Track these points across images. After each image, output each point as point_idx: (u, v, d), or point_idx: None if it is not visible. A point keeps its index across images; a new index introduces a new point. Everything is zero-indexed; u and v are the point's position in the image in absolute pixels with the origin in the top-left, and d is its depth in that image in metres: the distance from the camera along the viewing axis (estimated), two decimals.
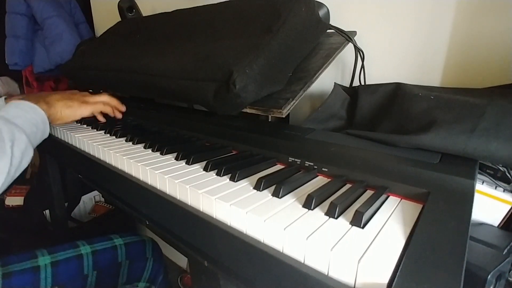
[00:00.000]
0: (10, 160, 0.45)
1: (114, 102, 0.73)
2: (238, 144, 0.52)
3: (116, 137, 0.61)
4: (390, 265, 0.24)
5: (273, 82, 0.52)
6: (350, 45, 0.62)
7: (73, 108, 0.63)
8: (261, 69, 0.48)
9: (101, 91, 0.93)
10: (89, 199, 1.48)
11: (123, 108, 0.75)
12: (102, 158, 0.55)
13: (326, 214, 0.31)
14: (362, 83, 0.64)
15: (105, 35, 0.98)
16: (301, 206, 0.33)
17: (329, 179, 0.41)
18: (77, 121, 0.77)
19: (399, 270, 0.23)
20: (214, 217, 0.35)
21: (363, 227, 0.29)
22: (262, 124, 0.59)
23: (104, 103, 0.71)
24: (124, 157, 0.49)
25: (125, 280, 0.73)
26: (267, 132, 0.52)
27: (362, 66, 0.64)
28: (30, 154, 0.50)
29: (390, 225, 0.29)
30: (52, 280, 0.63)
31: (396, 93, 0.52)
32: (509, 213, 0.41)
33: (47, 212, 1.29)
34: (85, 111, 0.66)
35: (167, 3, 1.02)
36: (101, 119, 0.72)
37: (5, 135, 0.45)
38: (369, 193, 0.37)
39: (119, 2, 1.02)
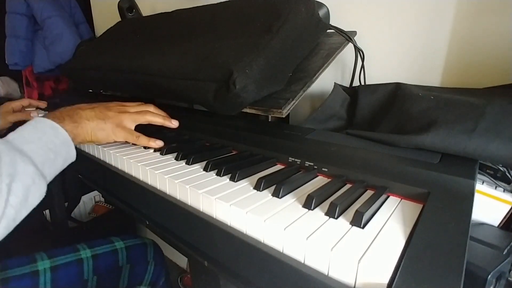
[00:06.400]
0: (6, 201, 0.35)
1: (159, 119, 0.55)
2: (238, 144, 0.52)
3: None
4: (390, 265, 0.24)
5: (273, 82, 0.52)
6: (350, 45, 0.62)
7: (105, 132, 0.51)
8: (261, 69, 0.48)
9: (103, 94, 0.92)
10: (89, 199, 1.48)
11: (173, 123, 0.57)
12: (102, 158, 0.55)
13: (326, 214, 0.31)
14: (362, 83, 0.64)
15: (105, 35, 0.98)
16: (301, 206, 0.33)
17: (329, 179, 0.41)
18: None
19: (399, 270, 0.23)
20: (214, 217, 0.35)
21: (363, 227, 0.29)
22: (262, 124, 0.59)
23: (146, 121, 0.55)
24: (124, 157, 0.49)
25: (126, 284, 0.73)
26: (267, 132, 0.52)
27: (362, 66, 0.64)
28: (41, 188, 0.40)
29: (390, 225, 0.29)
30: (52, 285, 0.62)
31: (396, 93, 0.52)
32: (509, 213, 0.41)
33: (47, 212, 1.29)
34: (119, 136, 0.52)
35: (167, 3, 1.02)
36: (155, 145, 0.53)
37: (3, 168, 0.36)
38: (369, 193, 0.37)
39: (119, 2, 1.02)
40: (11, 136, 0.41)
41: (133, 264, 0.73)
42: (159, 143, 0.53)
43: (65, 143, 0.46)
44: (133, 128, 0.53)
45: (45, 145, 0.42)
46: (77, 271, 0.66)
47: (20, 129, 0.43)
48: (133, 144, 0.54)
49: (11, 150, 0.38)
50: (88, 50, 0.96)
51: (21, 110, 0.85)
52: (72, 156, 0.48)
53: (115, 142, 0.55)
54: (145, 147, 0.54)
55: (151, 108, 0.57)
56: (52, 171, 0.44)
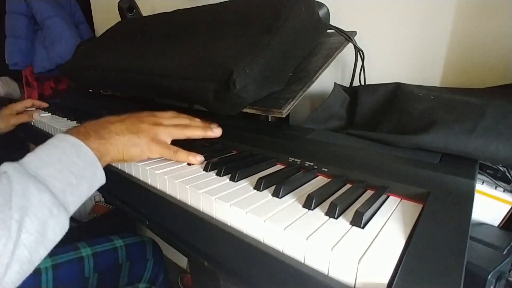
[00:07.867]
0: (15, 241, 0.29)
1: (199, 131, 0.49)
2: (238, 144, 0.52)
3: None
4: (390, 265, 0.24)
5: (273, 82, 0.52)
6: (350, 45, 0.62)
7: (139, 147, 0.44)
8: (261, 69, 0.48)
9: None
10: (89, 199, 1.48)
11: (216, 132, 0.50)
12: None
13: (326, 214, 0.31)
14: (362, 83, 0.64)
15: (105, 35, 0.98)
16: (301, 206, 0.33)
17: (329, 179, 0.41)
18: (78, 120, 0.77)
19: (399, 270, 0.23)
20: (214, 217, 0.35)
21: (363, 227, 0.29)
22: (262, 124, 0.59)
23: (185, 136, 0.48)
24: None
25: (126, 281, 0.74)
26: (267, 132, 0.52)
27: (362, 66, 0.64)
28: (61, 221, 0.33)
29: (390, 225, 0.29)
30: (53, 283, 0.63)
31: (396, 93, 0.52)
32: (509, 213, 0.41)
33: None
34: (155, 152, 0.45)
35: (167, 3, 1.02)
36: (195, 161, 0.45)
37: (13, 200, 0.30)
38: (369, 193, 0.37)
39: (119, 2, 1.02)
40: (27, 158, 0.35)
41: (132, 261, 0.74)
42: (199, 159, 0.45)
43: (90, 164, 0.38)
44: (169, 142, 0.47)
45: (66, 168, 0.35)
46: (78, 269, 0.67)
47: (39, 149, 0.37)
48: (169, 160, 0.47)
49: (24, 177, 0.32)
50: (88, 50, 0.95)
51: (24, 112, 0.85)
52: (99, 179, 0.40)
53: (149, 159, 0.46)
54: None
55: (187, 120, 0.50)
56: (76, 199, 0.36)
